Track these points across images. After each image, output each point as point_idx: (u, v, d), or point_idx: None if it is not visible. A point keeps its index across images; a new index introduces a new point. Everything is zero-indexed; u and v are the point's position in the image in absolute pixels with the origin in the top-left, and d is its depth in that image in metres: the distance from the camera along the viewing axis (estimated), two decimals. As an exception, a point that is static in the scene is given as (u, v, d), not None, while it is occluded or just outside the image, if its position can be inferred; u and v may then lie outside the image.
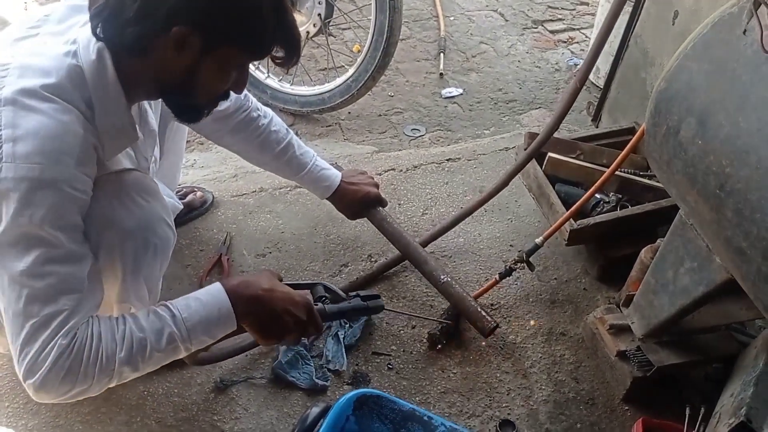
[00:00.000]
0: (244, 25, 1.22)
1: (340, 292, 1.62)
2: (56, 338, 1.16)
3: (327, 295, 1.59)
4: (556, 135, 1.99)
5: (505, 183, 2.01)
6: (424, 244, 2.02)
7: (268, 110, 1.86)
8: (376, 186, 2.01)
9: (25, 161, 1.11)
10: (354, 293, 1.66)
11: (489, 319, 1.76)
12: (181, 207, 2.01)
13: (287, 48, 1.31)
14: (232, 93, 1.38)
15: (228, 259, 2.01)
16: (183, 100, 1.34)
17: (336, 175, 1.93)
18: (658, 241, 1.70)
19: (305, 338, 1.69)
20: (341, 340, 1.79)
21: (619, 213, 1.92)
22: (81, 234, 1.24)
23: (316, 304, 1.53)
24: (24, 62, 1.18)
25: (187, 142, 2.08)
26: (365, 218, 2.02)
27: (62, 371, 1.17)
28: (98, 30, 1.19)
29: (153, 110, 1.56)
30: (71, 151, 1.16)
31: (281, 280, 1.49)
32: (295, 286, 1.54)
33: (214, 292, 1.36)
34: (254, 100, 1.82)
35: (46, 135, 1.13)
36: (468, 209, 2.06)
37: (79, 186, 1.19)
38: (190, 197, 2.13)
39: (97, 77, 1.21)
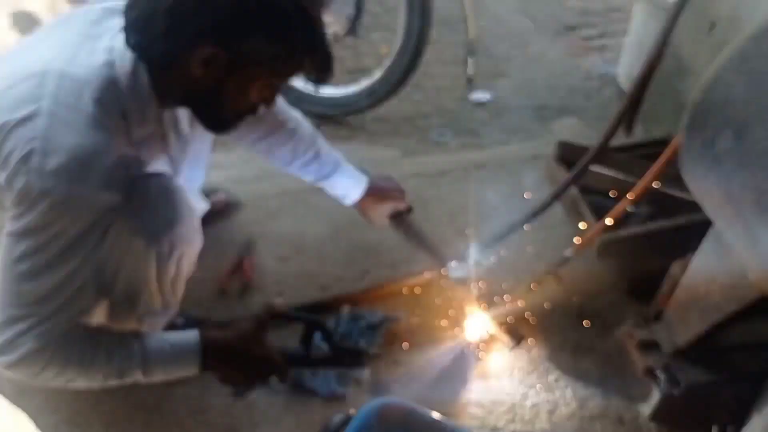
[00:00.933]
0: (271, 47, 1.22)
1: (334, 341, 1.59)
2: (30, 335, 1.22)
3: (309, 343, 1.57)
4: (586, 144, 1.97)
5: (549, 202, 1.97)
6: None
7: (297, 114, 1.86)
8: (403, 192, 1.99)
9: (53, 176, 1.13)
10: (344, 348, 1.64)
11: (516, 331, 1.75)
12: (207, 207, 2.03)
13: (317, 69, 1.32)
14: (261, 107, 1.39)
15: (250, 261, 2.02)
16: (210, 113, 1.35)
17: (362, 181, 1.92)
18: (689, 255, 1.67)
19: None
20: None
21: (650, 226, 1.89)
22: (91, 250, 1.25)
23: (297, 350, 1.56)
24: (63, 70, 1.19)
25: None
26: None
27: (24, 366, 1.25)
28: (131, 41, 1.22)
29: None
30: (99, 171, 1.18)
31: (281, 313, 1.55)
32: (295, 318, 1.63)
33: (192, 347, 1.39)
34: (283, 103, 1.82)
35: (76, 153, 1.14)
36: (510, 228, 2.00)
37: (102, 204, 1.21)
38: (213, 198, 2.13)
39: (133, 88, 1.23)
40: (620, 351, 1.76)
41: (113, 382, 1.36)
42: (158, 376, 1.39)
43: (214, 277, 1.98)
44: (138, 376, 1.37)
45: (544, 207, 1.97)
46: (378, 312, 1.88)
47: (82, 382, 1.33)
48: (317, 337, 1.59)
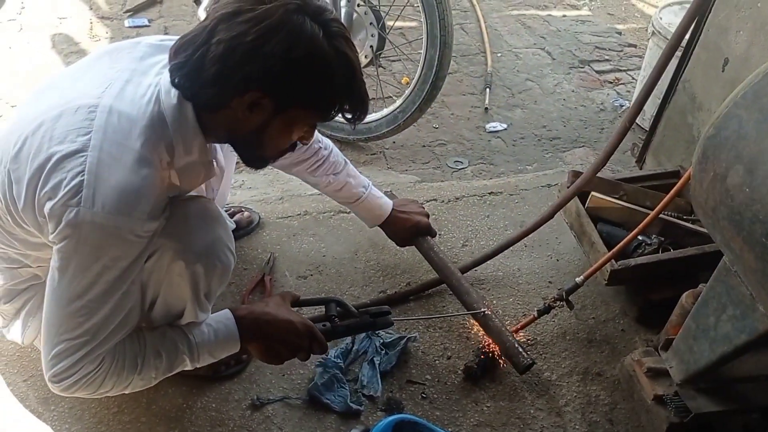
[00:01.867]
0: (316, 91, 1.27)
1: (352, 309, 1.65)
2: (85, 361, 1.28)
3: (336, 314, 1.63)
4: (599, 175, 2.00)
5: (548, 217, 2.03)
6: (464, 270, 2.04)
7: (329, 142, 1.93)
8: (427, 216, 2.06)
9: (101, 210, 1.18)
10: (365, 309, 1.69)
11: (525, 355, 1.76)
12: (234, 226, 2.09)
13: (355, 110, 1.36)
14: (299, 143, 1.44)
15: (270, 279, 2.06)
16: (252, 151, 1.40)
17: (388, 204, 1.99)
18: (699, 286, 1.69)
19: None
20: (377, 366, 1.81)
21: (660, 256, 1.91)
22: (138, 275, 1.31)
23: (325, 324, 1.61)
24: (111, 106, 1.23)
25: (236, 163, 2.14)
26: (411, 246, 2.06)
27: (84, 387, 1.32)
28: (176, 82, 1.25)
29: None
30: (144, 206, 1.22)
31: (298, 300, 1.61)
32: (310, 302, 1.71)
33: (226, 322, 1.49)
34: (316, 133, 1.88)
35: (123, 190, 1.19)
36: (510, 240, 2.09)
37: (145, 234, 1.26)
38: (237, 217, 2.20)
39: (179, 120, 1.27)
40: (629, 378, 1.78)
41: (166, 376, 1.42)
42: (205, 360, 1.46)
43: (235, 293, 2.02)
44: (186, 365, 1.44)
45: (550, 216, 2.05)
46: (393, 331, 1.92)
47: (138, 385, 1.39)
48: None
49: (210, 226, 1.45)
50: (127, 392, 1.41)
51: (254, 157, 1.43)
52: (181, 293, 1.44)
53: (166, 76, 1.27)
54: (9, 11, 3.72)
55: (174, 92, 1.26)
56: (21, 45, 3.43)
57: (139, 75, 1.31)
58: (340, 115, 1.36)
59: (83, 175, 1.17)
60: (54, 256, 1.24)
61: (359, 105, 1.35)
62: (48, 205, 1.18)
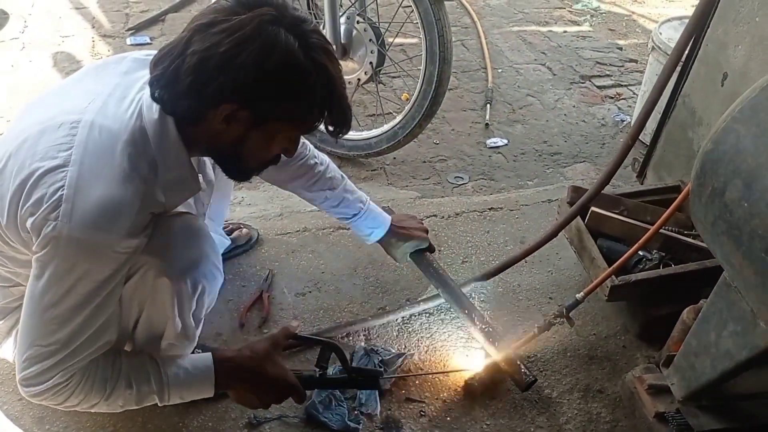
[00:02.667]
0: (293, 104, 1.26)
1: (347, 361, 1.63)
2: (55, 372, 1.29)
3: (325, 365, 1.60)
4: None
5: (551, 236, 2.02)
6: (464, 287, 2.02)
7: (325, 157, 1.92)
8: (426, 231, 2.04)
9: (79, 224, 1.18)
10: (358, 368, 1.68)
11: (527, 373, 1.75)
12: (229, 242, 2.08)
13: (336, 123, 1.35)
14: (282, 156, 1.43)
15: (269, 296, 2.05)
16: (233, 163, 1.39)
17: (386, 220, 1.98)
18: (701, 301, 1.68)
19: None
20: (376, 383, 1.80)
21: (661, 271, 1.89)
22: (114, 288, 1.30)
23: (313, 371, 1.59)
24: (93, 121, 1.24)
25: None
26: (410, 262, 2.04)
27: (51, 397, 1.33)
28: (156, 95, 1.25)
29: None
30: (124, 222, 1.22)
31: (293, 336, 1.58)
32: (306, 340, 1.72)
33: (204, 369, 1.46)
34: (312, 147, 1.88)
35: (104, 203, 1.19)
36: (512, 259, 2.08)
37: (123, 251, 1.25)
38: (236, 233, 2.19)
39: (160, 135, 1.27)
40: (631, 395, 1.75)
41: (132, 407, 1.41)
42: (175, 400, 1.44)
43: (233, 310, 2.01)
44: (155, 401, 1.42)
45: (554, 234, 2.03)
46: (392, 348, 1.91)
47: (103, 408, 1.38)
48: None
49: (196, 242, 1.44)
50: (92, 411, 1.41)
51: (235, 170, 1.42)
52: (165, 312, 1.43)
53: (148, 91, 1.27)
54: (12, 30, 3.76)
55: (155, 107, 1.26)
56: (23, 63, 3.46)
57: (122, 89, 1.31)
58: (322, 127, 1.36)
59: (63, 189, 1.17)
60: (33, 264, 1.24)
61: (340, 118, 1.34)
62: (30, 221, 1.19)
